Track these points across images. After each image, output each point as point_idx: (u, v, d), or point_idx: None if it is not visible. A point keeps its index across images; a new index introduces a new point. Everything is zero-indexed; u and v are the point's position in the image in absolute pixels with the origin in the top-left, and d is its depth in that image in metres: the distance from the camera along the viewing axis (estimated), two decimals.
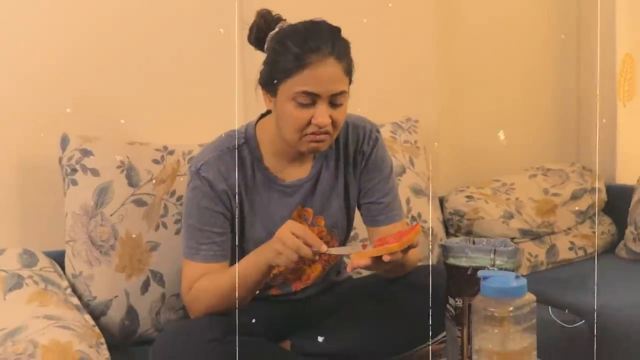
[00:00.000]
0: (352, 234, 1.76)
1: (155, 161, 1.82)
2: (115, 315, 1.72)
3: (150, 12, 1.99)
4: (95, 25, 1.92)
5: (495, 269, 1.23)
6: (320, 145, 1.44)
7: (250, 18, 1.51)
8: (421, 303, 1.39)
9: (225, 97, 2.00)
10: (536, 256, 2.28)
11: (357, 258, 1.31)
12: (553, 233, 2.34)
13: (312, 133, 1.41)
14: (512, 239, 2.24)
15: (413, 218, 2.14)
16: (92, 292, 1.71)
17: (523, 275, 2.12)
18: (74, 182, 1.73)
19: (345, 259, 1.73)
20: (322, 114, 1.39)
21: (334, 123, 1.42)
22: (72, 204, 1.73)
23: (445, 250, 1.28)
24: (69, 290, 1.66)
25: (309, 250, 1.32)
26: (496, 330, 1.12)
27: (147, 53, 1.98)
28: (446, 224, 2.31)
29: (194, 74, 2.06)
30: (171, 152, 1.86)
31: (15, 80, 1.83)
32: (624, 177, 2.65)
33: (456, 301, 1.27)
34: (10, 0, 1.82)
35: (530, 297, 1.14)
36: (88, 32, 1.91)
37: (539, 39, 2.77)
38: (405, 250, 1.31)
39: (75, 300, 1.63)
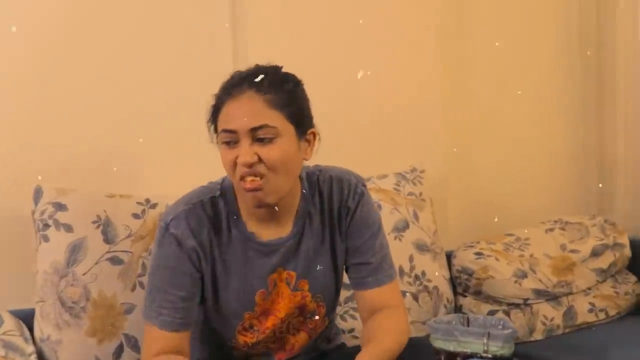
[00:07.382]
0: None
1: (135, 215, 1.71)
2: None
3: (138, 51, 1.90)
4: (80, 69, 1.84)
5: (489, 355, 1.07)
6: (259, 194, 1.30)
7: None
8: None
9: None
10: (552, 319, 2.09)
11: None
12: (571, 293, 2.15)
13: (242, 176, 1.29)
14: (526, 300, 2.07)
15: (416, 277, 1.98)
16: (60, 359, 1.58)
17: (537, 340, 1.99)
18: (46, 239, 1.63)
19: None
20: (242, 152, 1.28)
21: (264, 162, 1.29)
22: (44, 262, 1.63)
23: (433, 330, 1.13)
24: (33, 357, 1.54)
25: None
26: None
27: (136, 96, 1.88)
28: (454, 282, 2.14)
29: (184, 121, 1.94)
30: (153, 206, 1.75)
31: None
32: None
33: None
34: None
35: None
36: (68, 74, 1.83)
37: (557, 80, 2.63)
38: None
39: None
